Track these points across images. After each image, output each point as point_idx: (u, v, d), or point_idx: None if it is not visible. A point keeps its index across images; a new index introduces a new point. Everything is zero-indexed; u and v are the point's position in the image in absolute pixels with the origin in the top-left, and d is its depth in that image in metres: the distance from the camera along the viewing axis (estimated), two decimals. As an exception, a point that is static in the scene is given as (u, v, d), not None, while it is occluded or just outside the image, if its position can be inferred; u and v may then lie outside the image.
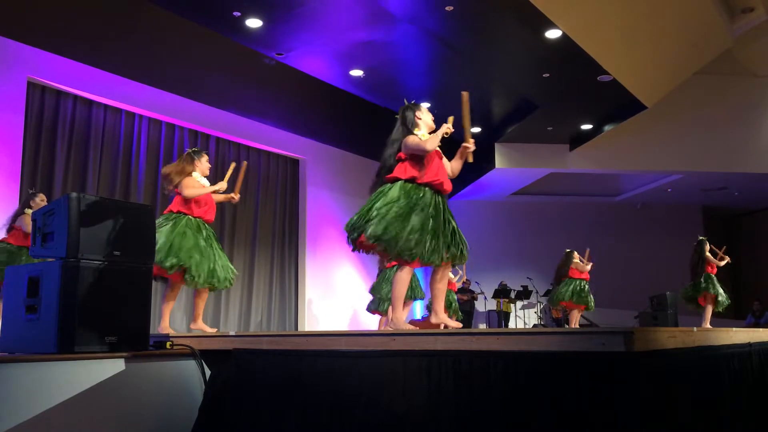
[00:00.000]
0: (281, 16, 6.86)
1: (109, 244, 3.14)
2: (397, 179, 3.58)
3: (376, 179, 3.73)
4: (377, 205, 3.51)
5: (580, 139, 11.22)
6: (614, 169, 12.05)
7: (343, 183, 11.69)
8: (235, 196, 5.36)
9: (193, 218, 4.90)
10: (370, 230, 3.41)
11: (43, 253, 3.18)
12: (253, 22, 6.95)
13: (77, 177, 8.03)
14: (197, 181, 5.02)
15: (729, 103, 11.51)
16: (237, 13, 6.76)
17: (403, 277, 3.56)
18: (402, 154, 3.61)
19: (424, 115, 3.74)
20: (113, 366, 2.93)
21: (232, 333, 4.13)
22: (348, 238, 3.63)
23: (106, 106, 8.42)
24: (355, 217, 3.58)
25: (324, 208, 11.34)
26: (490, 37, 7.63)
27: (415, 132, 3.64)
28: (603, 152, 11.42)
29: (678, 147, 11.44)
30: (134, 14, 6.87)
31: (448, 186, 3.66)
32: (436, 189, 3.59)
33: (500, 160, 11.34)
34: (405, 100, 3.83)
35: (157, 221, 4.81)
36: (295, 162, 11.19)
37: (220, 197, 5.31)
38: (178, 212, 4.90)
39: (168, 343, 3.25)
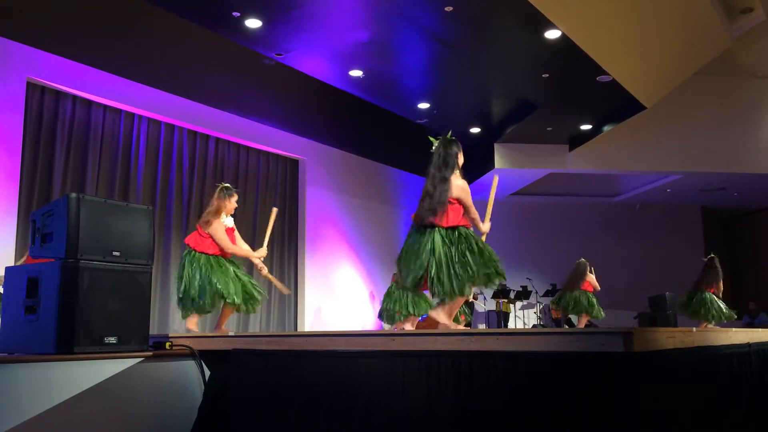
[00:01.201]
0: (281, 16, 6.86)
1: (108, 245, 3.14)
2: (436, 225, 3.69)
3: (421, 207, 3.78)
4: (435, 262, 3.61)
5: (580, 140, 11.22)
6: (613, 170, 12.04)
7: (343, 183, 11.69)
8: (262, 254, 5.36)
9: (211, 256, 4.98)
10: (447, 290, 3.56)
11: (43, 253, 3.18)
12: (253, 23, 6.95)
13: (76, 177, 8.02)
14: (223, 232, 5.07)
15: (729, 103, 11.50)
16: (236, 14, 6.75)
17: (458, 301, 3.75)
18: (451, 198, 3.73)
19: (461, 158, 3.91)
20: (113, 366, 2.93)
21: (231, 333, 4.14)
22: (407, 283, 3.75)
23: (105, 106, 8.41)
24: (411, 267, 3.67)
25: (324, 208, 11.34)
26: (490, 37, 7.63)
27: (457, 172, 3.83)
28: (602, 153, 11.42)
29: (677, 147, 11.43)
30: (133, 15, 6.86)
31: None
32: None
33: (499, 160, 11.34)
34: (450, 132, 3.99)
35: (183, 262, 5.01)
36: (295, 162, 11.18)
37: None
38: (195, 249, 4.99)
39: (167, 344, 3.25)
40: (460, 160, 3.90)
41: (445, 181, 3.73)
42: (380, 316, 8.48)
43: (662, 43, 8.75)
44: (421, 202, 3.77)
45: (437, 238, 3.64)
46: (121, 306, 3.13)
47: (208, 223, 5.00)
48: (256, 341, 3.28)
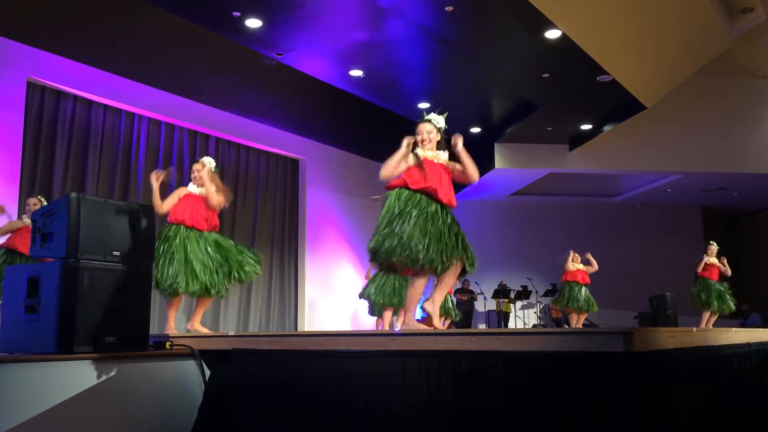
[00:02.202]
0: (281, 16, 6.86)
1: (108, 245, 3.14)
2: (393, 188, 3.62)
3: None
4: (380, 219, 3.53)
5: (580, 140, 11.22)
6: (613, 170, 12.05)
7: (343, 183, 11.69)
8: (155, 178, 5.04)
9: (174, 226, 4.81)
10: (370, 245, 3.43)
11: (43, 253, 3.18)
12: (253, 23, 6.95)
13: (77, 177, 8.03)
14: (173, 196, 5.01)
15: (729, 103, 11.50)
16: (237, 14, 6.75)
17: (417, 283, 3.55)
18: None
19: (423, 133, 3.78)
20: (113, 366, 2.93)
21: (231, 333, 4.14)
22: (372, 260, 3.57)
23: (105, 106, 8.42)
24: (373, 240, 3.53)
25: (324, 208, 11.34)
26: (490, 37, 7.63)
27: (417, 150, 3.73)
28: (602, 152, 11.42)
29: (677, 147, 11.43)
30: (134, 15, 6.87)
31: (444, 196, 3.59)
32: (433, 198, 3.55)
33: (500, 160, 11.33)
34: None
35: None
36: (295, 162, 11.19)
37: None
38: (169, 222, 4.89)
39: (168, 344, 3.25)
40: (419, 136, 3.77)
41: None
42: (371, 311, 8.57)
43: (662, 43, 8.75)
44: None
45: (392, 196, 3.54)
46: (121, 306, 3.12)
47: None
48: (256, 341, 3.28)
